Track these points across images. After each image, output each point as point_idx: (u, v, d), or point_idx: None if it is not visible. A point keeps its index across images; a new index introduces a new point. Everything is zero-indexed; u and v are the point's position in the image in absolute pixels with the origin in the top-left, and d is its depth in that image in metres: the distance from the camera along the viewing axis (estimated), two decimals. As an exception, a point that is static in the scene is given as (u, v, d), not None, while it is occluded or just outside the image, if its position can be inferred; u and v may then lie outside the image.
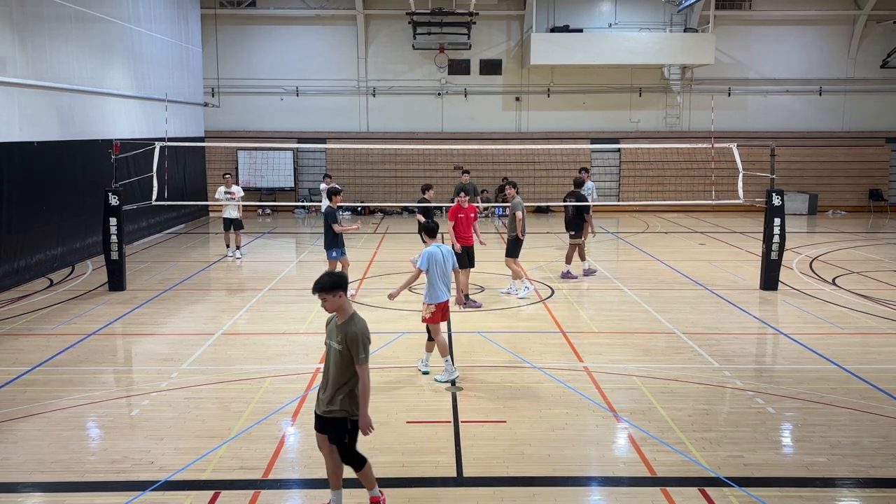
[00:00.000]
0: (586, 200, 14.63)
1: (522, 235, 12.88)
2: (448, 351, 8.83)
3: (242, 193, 17.02)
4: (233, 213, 16.43)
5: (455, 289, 8.97)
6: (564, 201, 14.80)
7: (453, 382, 8.52)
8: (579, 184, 14.71)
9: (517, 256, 13.06)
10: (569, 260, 14.60)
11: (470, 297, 12.41)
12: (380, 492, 5.74)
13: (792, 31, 26.62)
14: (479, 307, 12.11)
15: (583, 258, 14.95)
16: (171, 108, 19.69)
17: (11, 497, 6.01)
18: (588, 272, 14.74)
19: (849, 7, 26.21)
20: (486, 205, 19.75)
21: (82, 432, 7.30)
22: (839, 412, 7.72)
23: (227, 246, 16.91)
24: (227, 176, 17.01)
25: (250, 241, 19.76)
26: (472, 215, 12.44)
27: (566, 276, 14.44)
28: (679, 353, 9.79)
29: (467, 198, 12.33)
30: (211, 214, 24.74)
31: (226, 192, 16.46)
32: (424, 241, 9.05)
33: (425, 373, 8.83)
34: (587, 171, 17.52)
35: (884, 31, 26.35)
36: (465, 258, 12.18)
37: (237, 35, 25.83)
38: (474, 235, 12.61)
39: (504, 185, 24.58)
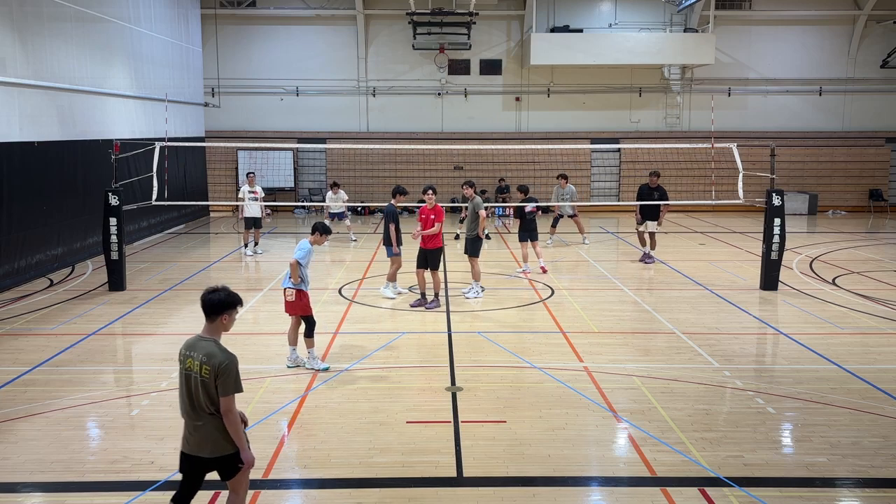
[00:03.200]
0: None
1: (483, 234, 12.92)
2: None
3: (263, 194, 17.47)
4: (256, 211, 16.89)
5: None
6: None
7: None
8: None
9: (479, 255, 13.04)
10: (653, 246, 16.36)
11: (426, 296, 12.21)
12: None
13: (792, 31, 26.61)
14: (432, 307, 12.01)
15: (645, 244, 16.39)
16: (171, 108, 19.70)
17: (11, 497, 6.01)
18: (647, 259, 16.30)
19: (849, 7, 26.21)
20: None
21: (82, 432, 7.30)
22: (839, 412, 7.72)
23: (245, 245, 17.22)
24: (251, 175, 17.40)
25: (251, 240, 19.74)
26: (432, 216, 12.05)
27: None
28: (679, 353, 9.79)
29: (434, 197, 12.08)
30: (212, 215, 24.78)
31: (249, 192, 16.88)
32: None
33: (326, 368, 8.97)
34: (565, 177, 18.64)
35: (884, 31, 26.35)
36: (423, 259, 12.13)
37: (237, 35, 25.83)
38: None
39: (501, 186, 24.79)
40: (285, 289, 8.93)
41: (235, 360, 4.77)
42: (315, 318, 9.08)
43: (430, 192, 12.18)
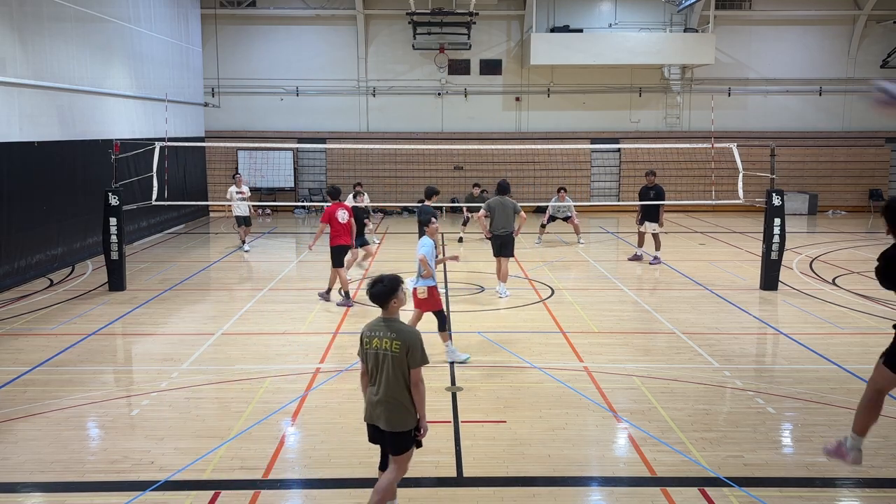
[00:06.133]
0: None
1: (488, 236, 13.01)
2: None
3: (249, 193, 18.11)
4: (245, 210, 17.58)
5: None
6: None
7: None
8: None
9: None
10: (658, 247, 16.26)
11: (349, 294, 12.49)
12: None
13: (792, 31, 26.61)
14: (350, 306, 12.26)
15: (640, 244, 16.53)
16: (171, 108, 19.70)
17: (11, 497, 6.01)
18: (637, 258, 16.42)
19: (849, 7, 26.21)
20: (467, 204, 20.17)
21: (82, 432, 7.30)
22: (839, 412, 7.72)
23: (244, 242, 17.88)
24: (238, 175, 18.15)
25: (250, 241, 19.74)
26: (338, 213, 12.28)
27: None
28: (679, 353, 9.79)
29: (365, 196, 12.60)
30: (211, 215, 24.77)
31: (238, 192, 17.51)
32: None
33: (467, 359, 9.25)
34: (565, 189, 19.19)
35: (884, 31, 26.35)
36: (341, 256, 12.39)
37: (237, 35, 25.83)
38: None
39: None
40: (416, 287, 9.06)
41: (420, 335, 5.34)
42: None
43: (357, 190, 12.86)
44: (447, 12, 24.29)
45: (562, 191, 18.99)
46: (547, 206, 19.13)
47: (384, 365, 5.18)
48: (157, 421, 7.48)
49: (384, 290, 5.25)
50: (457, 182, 25.22)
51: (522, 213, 12.82)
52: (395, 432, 5.22)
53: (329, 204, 12.44)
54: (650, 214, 15.95)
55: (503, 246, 12.80)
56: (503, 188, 12.99)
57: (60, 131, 15.27)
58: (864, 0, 25.67)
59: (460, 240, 19.27)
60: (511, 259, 13.23)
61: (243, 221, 17.66)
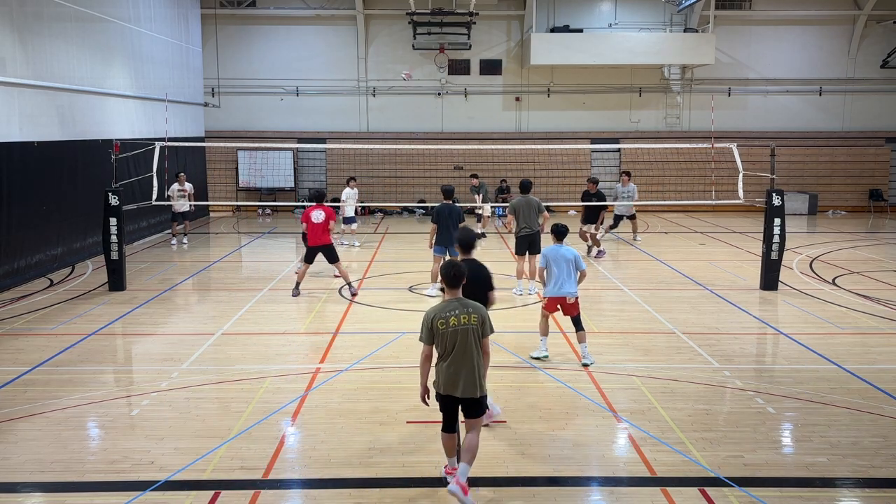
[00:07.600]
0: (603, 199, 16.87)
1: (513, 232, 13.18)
2: (545, 332, 9.50)
3: (192, 190, 18.92)
4: (184, 206, 18.42)
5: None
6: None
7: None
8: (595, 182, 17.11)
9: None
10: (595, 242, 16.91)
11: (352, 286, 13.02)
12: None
13: (792, 31, 26.60)
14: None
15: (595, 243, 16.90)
16: (171, 108, 19.70)
17: (11, 497, 6.01)
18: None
19: (849, 7, 26.20)
20: (480, 205, 20.24)
21: (82, 432, 7.30)
22: (839, 412, 7.72)
23: (174, 236, 18.73)
24: (182, 175, 18.83)
25: (251, 240, 19.77)
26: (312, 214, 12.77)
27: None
28: (679, 353, 9.79)
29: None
30: (211, 215, 24.77)
31: (179, 190, 18.35)
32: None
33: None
34: (628, 174, 19.04)
35: (884, 31, 26.34)
36: (311, 255, 12.96)
37: (237, 35, 25.82)
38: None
39: (502, 187, 24.89)
40: (569, 295, 9.21)
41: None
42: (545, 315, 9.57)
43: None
44: (447, 12, 24.28)
45: (624, 175, 18.64)
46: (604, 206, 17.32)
47: (465, 339, 5.77)
48: (157, 421, 7.48)
49: (462, 273, 5.87)
50: (457, 182, 25.13)
51: (546, 212, 12.87)
52: (476, 398, 5.86)
53: (311, 205, 13.02)
54: (590, 217, 16.74)
55: (532, 244, 12.86)
56: (526, 187, 12.99)
57: (60, 131, 15.27)
58: (864, 0, 25.67)
59: (483, 235, 19.43)
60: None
61: (182, 216, 18.58)
